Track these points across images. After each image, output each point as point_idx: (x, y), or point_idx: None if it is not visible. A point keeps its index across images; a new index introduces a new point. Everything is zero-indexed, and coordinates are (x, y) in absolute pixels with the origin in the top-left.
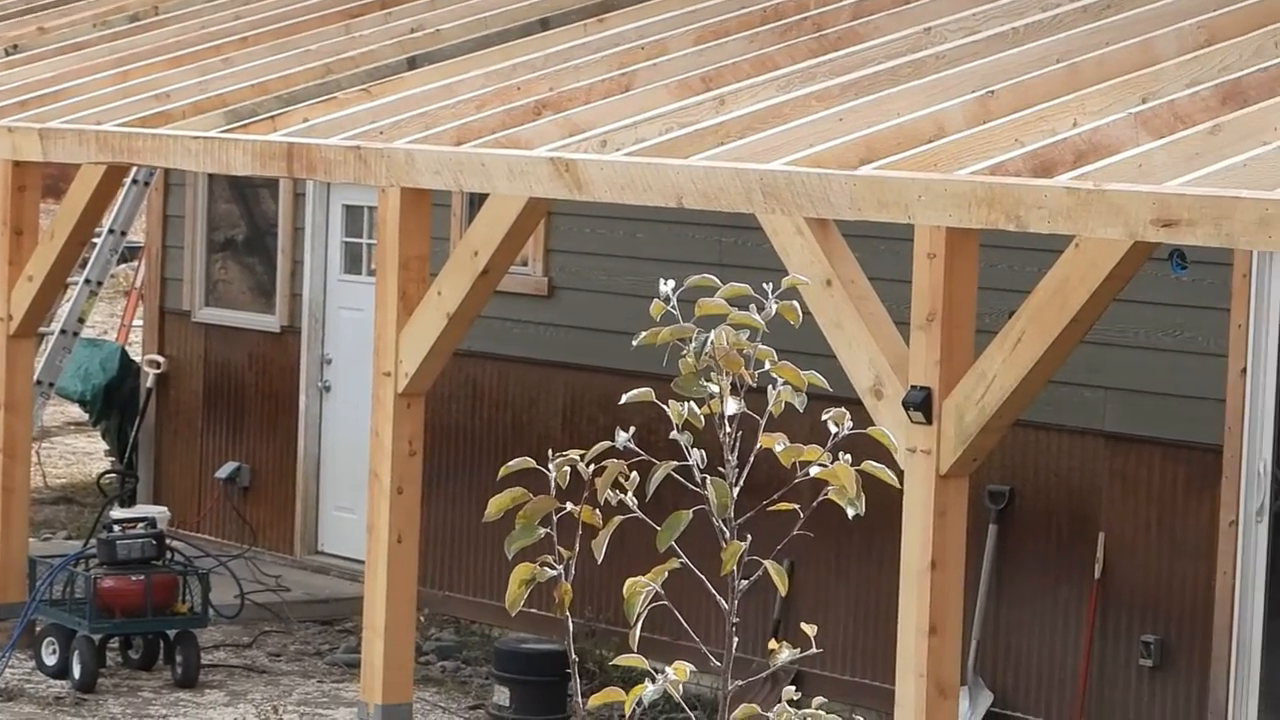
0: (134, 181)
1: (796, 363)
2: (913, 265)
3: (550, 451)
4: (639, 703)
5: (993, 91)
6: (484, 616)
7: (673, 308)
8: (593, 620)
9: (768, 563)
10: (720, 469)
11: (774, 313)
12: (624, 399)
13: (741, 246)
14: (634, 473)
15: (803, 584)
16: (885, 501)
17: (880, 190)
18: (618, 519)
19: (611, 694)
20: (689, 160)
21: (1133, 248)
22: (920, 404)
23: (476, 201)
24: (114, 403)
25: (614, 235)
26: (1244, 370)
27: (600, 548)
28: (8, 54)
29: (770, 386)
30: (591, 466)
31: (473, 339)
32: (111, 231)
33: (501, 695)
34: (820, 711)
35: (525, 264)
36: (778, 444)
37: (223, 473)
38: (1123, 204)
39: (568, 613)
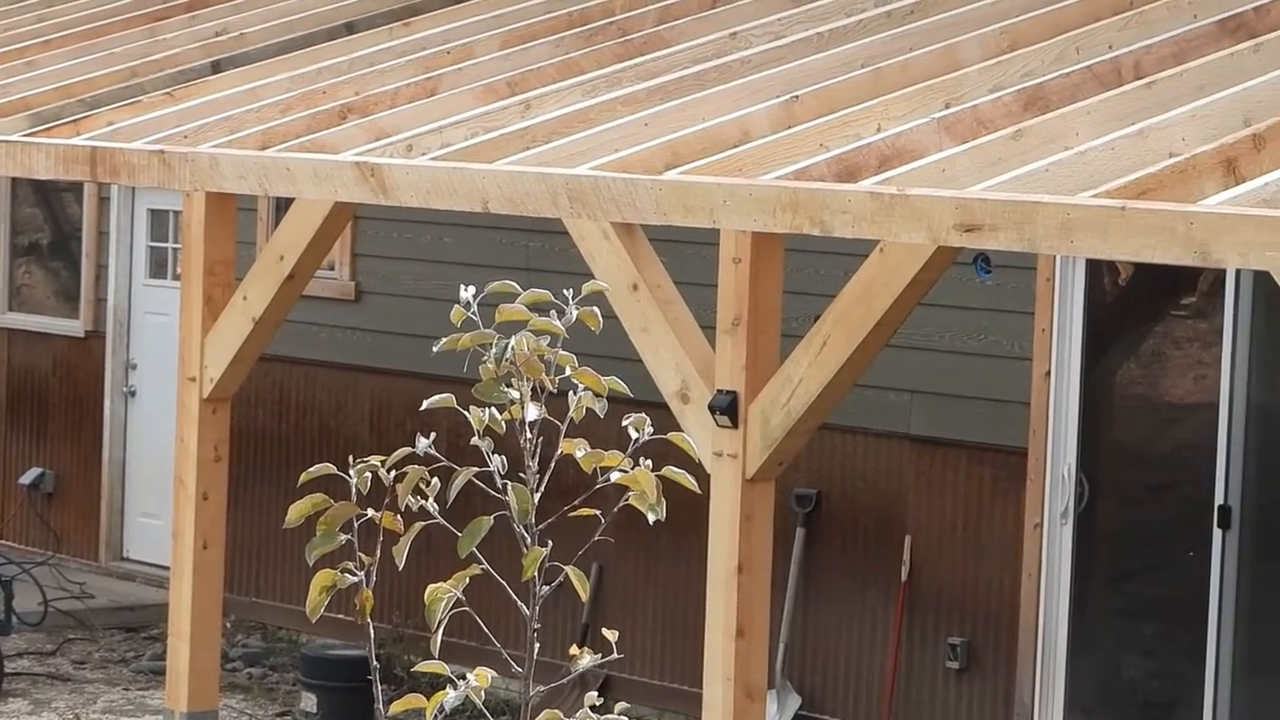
0: None
1: (606, 367)
2: (718, 270)
3: (351, 457)
4: (441, 709)
5: (797, 96)
6: (291, 623)
7: (474, 313)
8: (400, 626)
9: (569, 569)
10: (522, 475)
11: (575, 318)
12: (425, 405)
13: (549, 251)
14: (434, 478)
15: (612, 588)
16: (693, 505)
17: (685, 195)
18: (419, 525)
19: (413, 701)
20: (494, 165)
21: (937, 252)
22: (726, 408)
23: (283, 205)
24: None
25: (421, 240)
26: (1048, 373)
27: (401, 554)
28: None
29: (571, 392)
30: (393, 472)
31: (279, 343)
32: None
33: (308, 702)
34: (622, 718)
35: (332, 268)
36: (579, 450)
37: (26, 479)
38: (926, 209)
39: (369, 619)
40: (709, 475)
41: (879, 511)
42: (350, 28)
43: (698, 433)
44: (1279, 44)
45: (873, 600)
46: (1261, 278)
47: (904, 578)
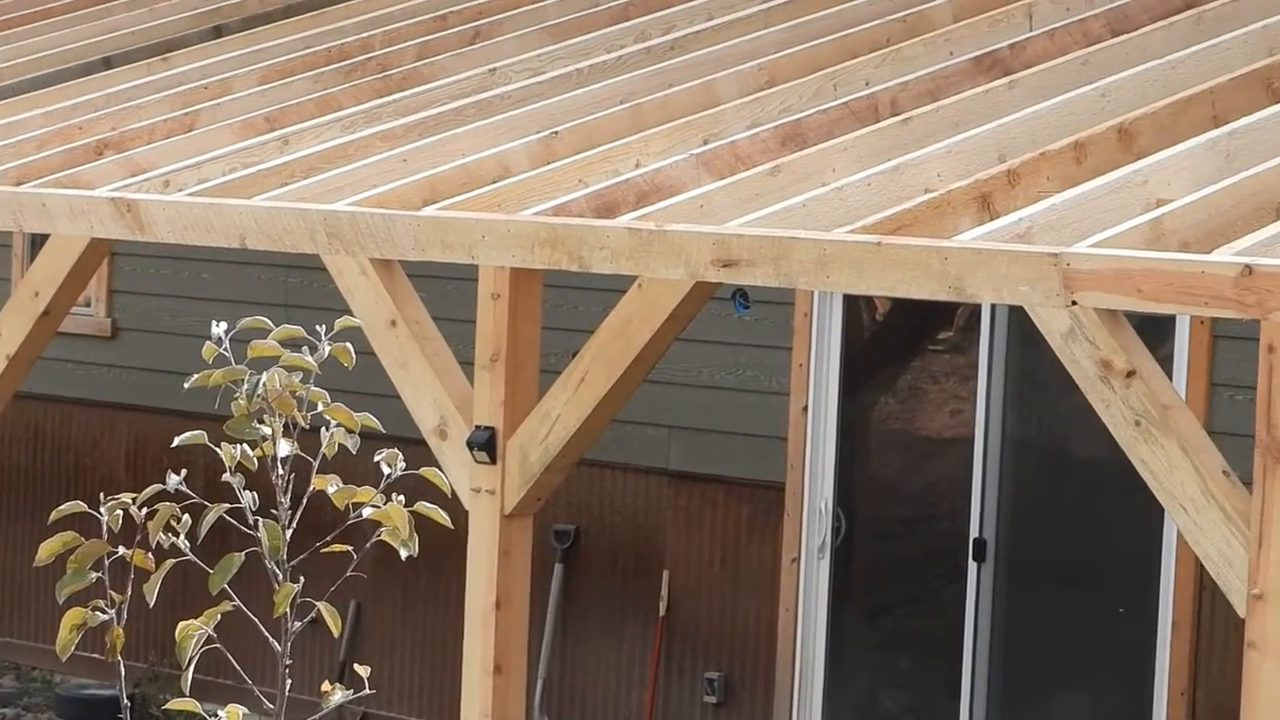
0: None
1: (366, 404)
2: (477, 306)
3: (102, 495)
4: None
5: (557, 132)
6: (46, 662)
7: (226, 349)
8: (156, 664)
9: (321, 604)
10: (274, 511)
11: (327, 354)
12: (176, 441)
13: (308, 287)
14: (185, 515)
15: (370, 626)
16: (453, 542)
17: (444, 231)
18: (170, 562)
19: None
20: (252, 200)
21: (695, 287)
22: (484, 444)
23: (39, 242)
24: None
25: (178, 276)
26: (805, 408)
27: (151, 592)
28: None
29: (324, 428)
30: (145, 509)
31: (34, 381)
32: None
33: None
34: None
35: (88, 305)
36: (331, 486)
37: None
38: (684, 244)
39: (120, 657)
40: (468, 511)
41: (637, 547)
42: (107, 63)
43: (456, 469)
44: (1034, 81)
45: (631, 635)
46: (1016, 312)
47: (662, 612)
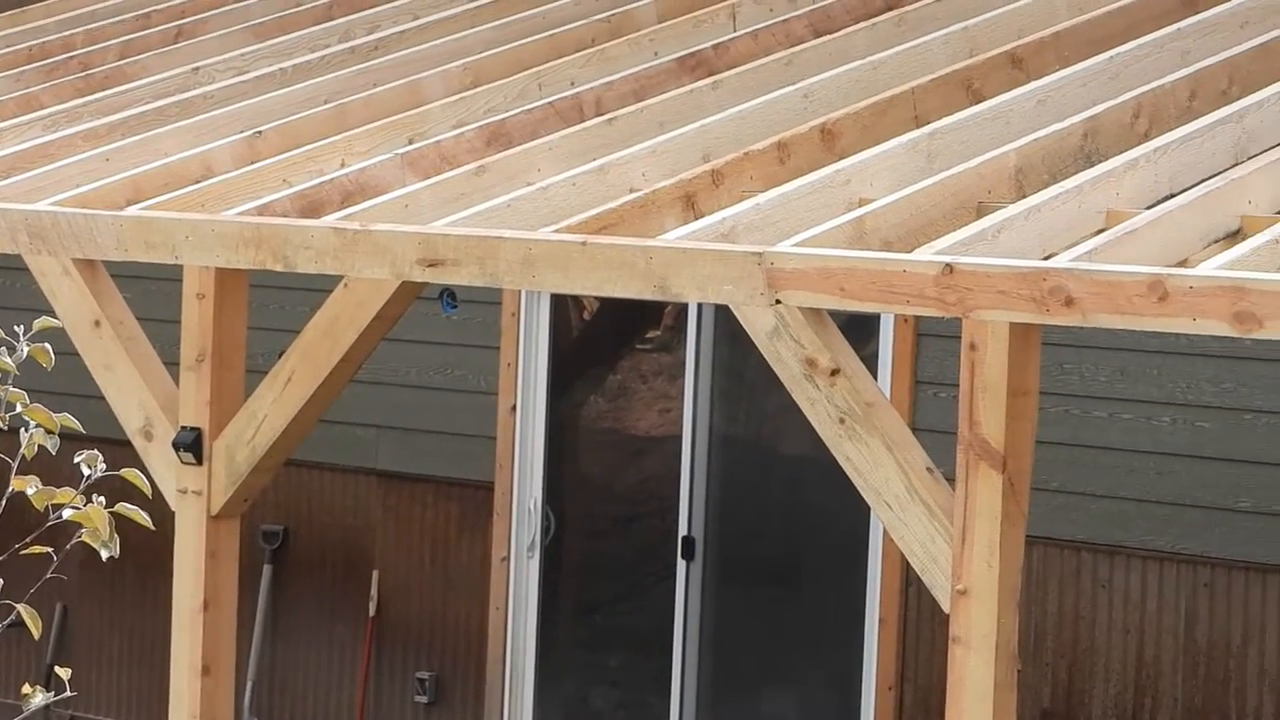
0: None
1: (71, 405)
2: (182, 306)
3: None
4: None
5: (261, 132)
6: None
7: None
8: None
9: (21, 606)
10: None
11: (26, 355)
12: None
13: (11, 288)
14: None
15: (78, 627)
16: (160, 543)
17: (147, 231)
18: None
19: None
20: None
21: (401, 287)
22: (190, 445)
23: None
24: None
25: None
26: (514, 408)
27: None
28: None
29: (23, 429)
30: None
31: None
32: None
33: None
34: None
35: None
36: (30, 487)
37: None
38: (389, 244)
39: None
40: (174, 512)
41: (347, 547)
42: None
43: (162, 470)
44: (737, 81)
45: (341, 635)
46: (723, 311)
47: (372, 612)
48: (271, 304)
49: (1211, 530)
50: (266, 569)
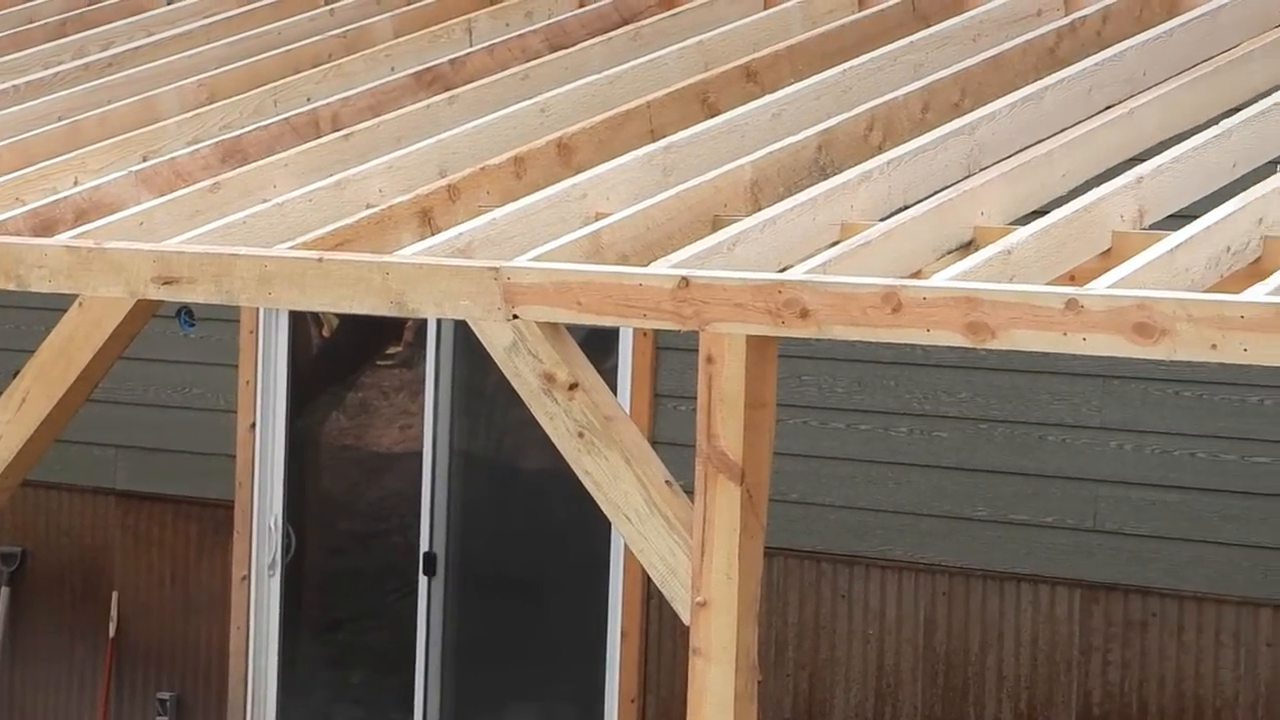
0: None
1: None
2: None
3: None
4: None
5: None
6: None
7: None
8: None
9: None
10: None
11: None
12: None
13: None
14: None
15: None
16: None
17: None
18: None
19: None
20: None
21: (137, 305)
22: None
23: None
24: None
25: None
26: (253, 425)
27: None
28: None
29: None
30: None
31: None
32: None
33: None
34: None
35: None
36: None
37: None
38: (123, 262)
39: None
40: None
41: (86, 568)
42: None
43: None
44: (474, 96)
45: (81, 656)
46: (462, 326)
47: (112, 633)
48: (6, 324)
49: (949, 539)
50: (4, 591)
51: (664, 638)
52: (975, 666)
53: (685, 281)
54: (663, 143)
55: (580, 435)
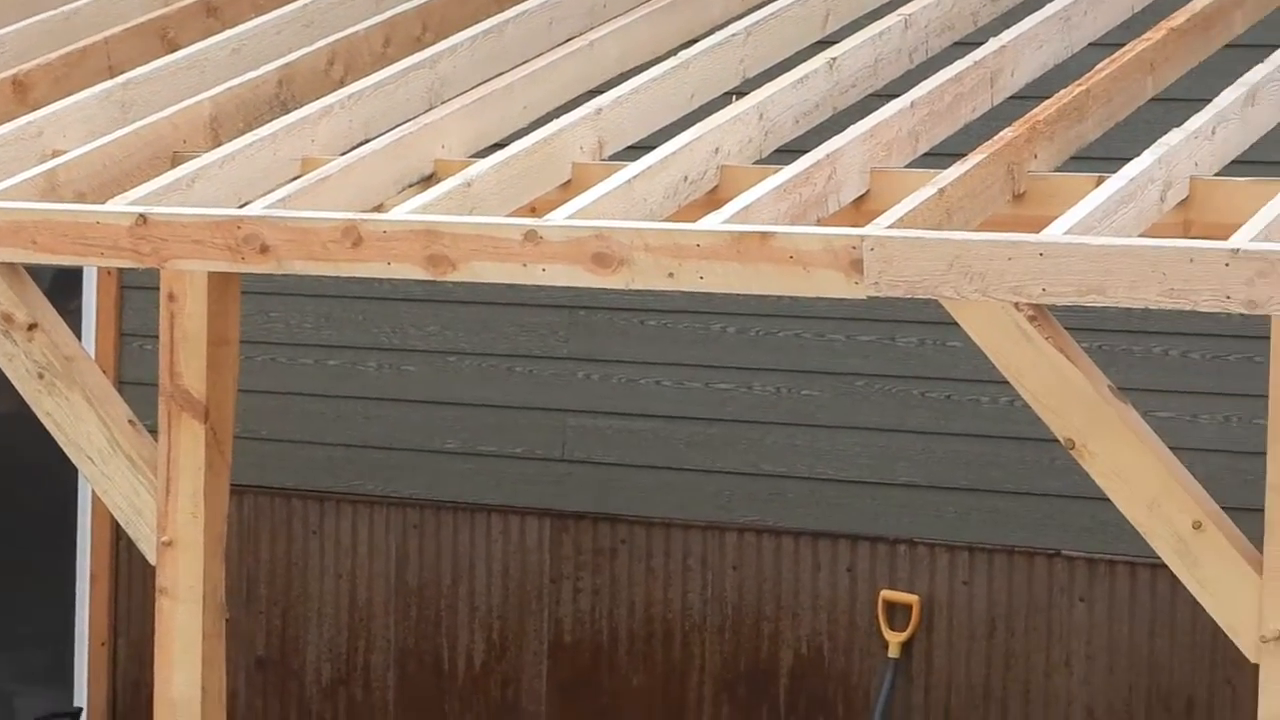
0: None
1: None
2: None
3: None
4: None
5: None
6: None
7: None
8: None
9: None
10: None
11: None
12: None
13: None
14: None
15: None
16: None
17: None
18: None
19: None
20: None
21: None
22: None
23: None
24: None
25: None
26: None
27: None
28: None
29: None
30: None
31: None
32: None
33: None
34: None
35: None
36: None
37: None
38: None
39: None
40: None
41: None
42: None
43: None
44: None
45: None
46: None
47: None
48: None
49: (419, 473)
50: None
51: (134, 580)
52: (448, 599)
53: (143, 219)
54: (121, 79)
55: (40, 376)
